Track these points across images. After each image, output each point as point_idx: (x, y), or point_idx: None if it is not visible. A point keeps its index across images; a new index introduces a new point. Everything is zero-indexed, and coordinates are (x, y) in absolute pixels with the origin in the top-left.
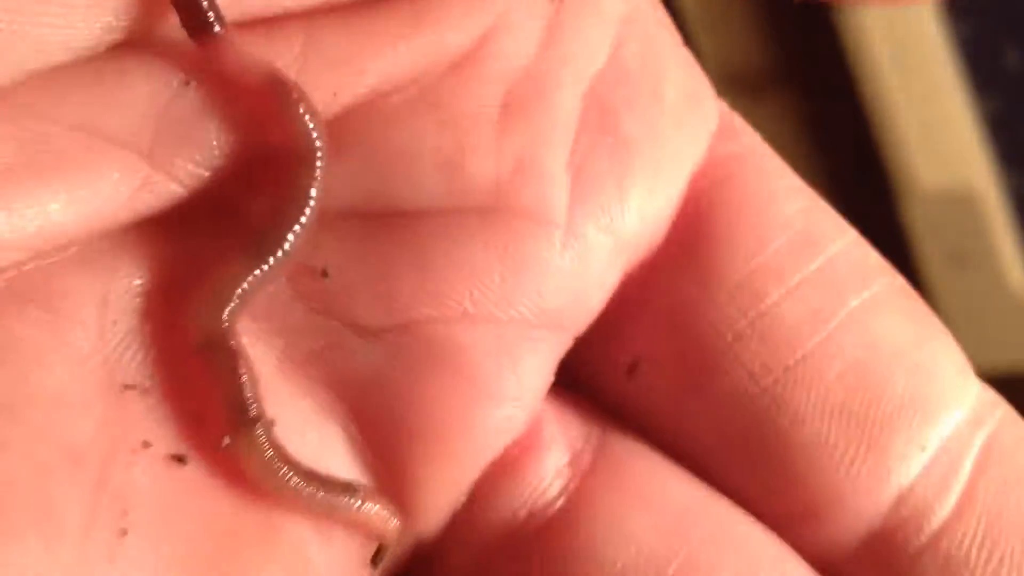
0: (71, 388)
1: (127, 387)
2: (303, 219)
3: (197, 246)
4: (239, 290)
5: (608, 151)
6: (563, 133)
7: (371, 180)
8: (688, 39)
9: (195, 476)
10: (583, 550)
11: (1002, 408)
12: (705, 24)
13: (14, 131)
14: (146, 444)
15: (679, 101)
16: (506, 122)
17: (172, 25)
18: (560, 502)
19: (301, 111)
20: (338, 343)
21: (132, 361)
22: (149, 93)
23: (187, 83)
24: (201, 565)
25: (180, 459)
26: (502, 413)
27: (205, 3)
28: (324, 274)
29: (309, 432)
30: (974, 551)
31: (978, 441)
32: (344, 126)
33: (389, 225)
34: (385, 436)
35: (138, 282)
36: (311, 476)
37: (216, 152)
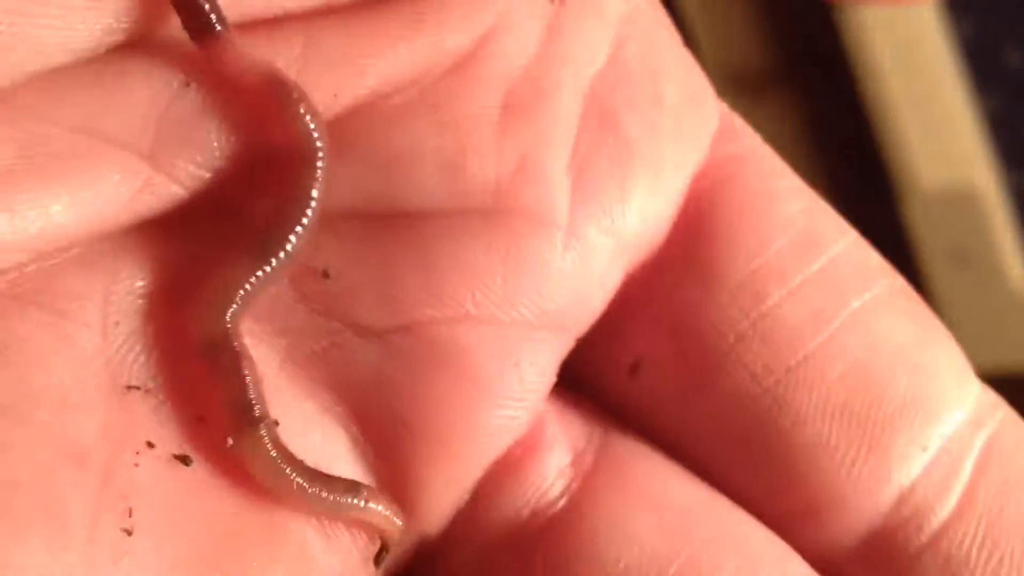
0: (74, 389)
1: (130, 388)
2: (305, 220)
3: (199, 247)
4: (242, 291)
5: (609, 152)
6: (564, 134)
7: (372, 181)
8: (688, 39)
9: (199, 476)
10: (585, 550)
11: (1002, 409)
12: (705, 24)
13: (15, 133)
14: (150, 445)
15: (679, 101)
16: (507, 123)
17: (172, 26)
18: (562, 502)
19: (302, 111)
20: (340, 344)
21: (135, 362)
22: (150, 94)
23: (188, 84)
24: (205, 565)
25: (184, 459)
26: (504, 413)
27: (206, 4)
28: (326, 275)
29: (312, 432)
30: (974, 551)
31: (979, 442)
32: (345, 127)
33: (391, 226)
34: (388, 436)
35: (140, 283)
36: (314, 476)
37: (217, 153)
